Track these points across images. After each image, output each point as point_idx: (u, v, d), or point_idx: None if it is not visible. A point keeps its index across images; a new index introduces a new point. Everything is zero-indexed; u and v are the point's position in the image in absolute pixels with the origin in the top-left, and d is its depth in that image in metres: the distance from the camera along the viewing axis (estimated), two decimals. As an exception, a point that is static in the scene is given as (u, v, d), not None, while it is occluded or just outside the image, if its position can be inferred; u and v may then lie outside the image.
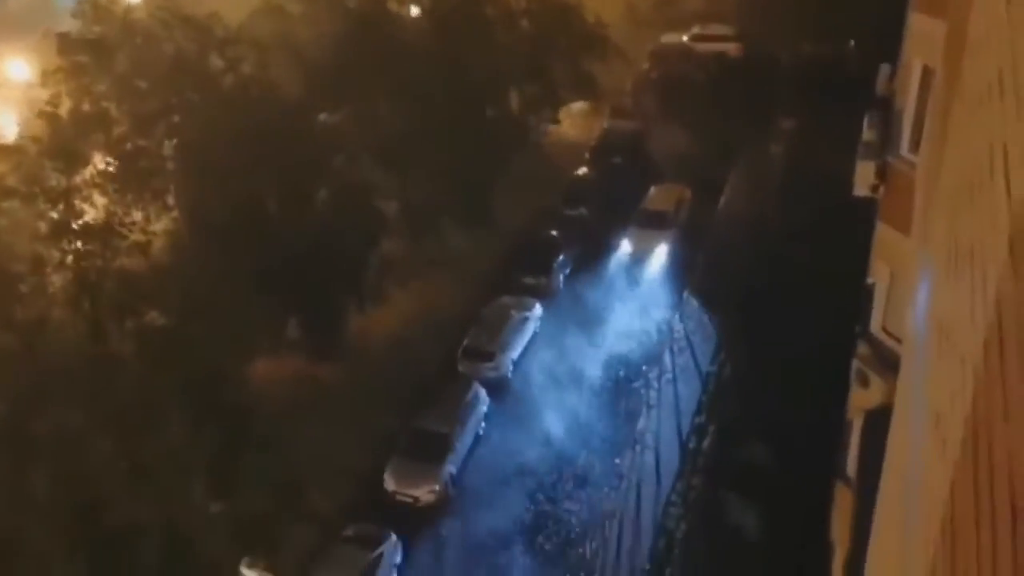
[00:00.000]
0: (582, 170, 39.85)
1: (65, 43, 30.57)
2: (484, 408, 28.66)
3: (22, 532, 22.86)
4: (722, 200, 36.30)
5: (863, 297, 17.06)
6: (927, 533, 3.11)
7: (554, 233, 35.83)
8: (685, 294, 32.48)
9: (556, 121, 40.50)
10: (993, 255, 2.34)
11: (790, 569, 21.90)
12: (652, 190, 36.82)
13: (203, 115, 30.27)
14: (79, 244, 29.07)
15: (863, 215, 19.76)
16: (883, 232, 15.28)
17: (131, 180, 30.60)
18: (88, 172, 30.29)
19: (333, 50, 31.47)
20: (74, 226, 29.32)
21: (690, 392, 29.26)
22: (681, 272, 33.44)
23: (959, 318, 2.96)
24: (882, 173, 15.24)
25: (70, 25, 32.72)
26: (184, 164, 30.81)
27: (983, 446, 2.24)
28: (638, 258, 34.98)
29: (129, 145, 30.89)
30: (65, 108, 30.01)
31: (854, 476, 15.40)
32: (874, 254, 17.26)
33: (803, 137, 36.28)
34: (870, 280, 17.13)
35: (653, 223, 35.25)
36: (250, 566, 18.06)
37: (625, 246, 35.31)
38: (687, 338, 31.00)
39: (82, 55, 30.24)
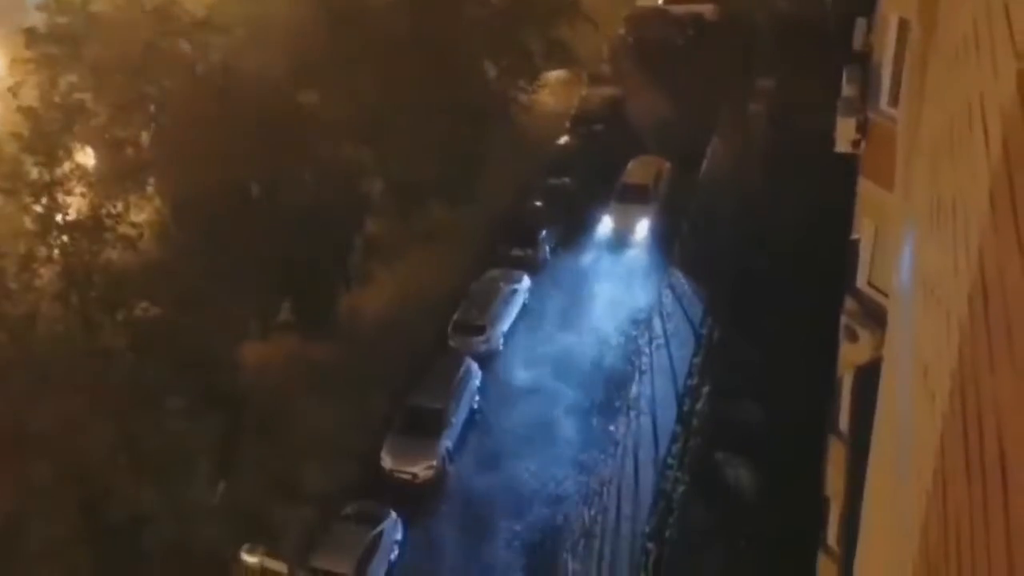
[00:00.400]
0: (563, 139, 39.69)
1: (31, 37, 30.15)
2: (477, 382, 28.75)
3: (25, 522, 22.99)
4: (704, 164, 36.26)
5: (848, 253, 17.14)
6: (919, 485, 3.15)
7: (539, 204, 35.76)
8: (670, 263, 32.53)
9: (534, 91, 40.28)
10: (974, 208, 2.35)
11: (787, 525, 22.18)
12: (631, 164, 36.20)
13: (178, 102, 29.97)
14: (65, 238, 28.88)
15: (845, 171, 19.82)
16: (865, 188, 15.32)
17: (113, 171, 30.34)
18: (70, 165, 30.00)
19: (305, 30, 31.13)
20: (59, 220, 29.12)
21: (682, 355, 29.43)
22: (666, 241, 33.43)
23: (943, 272, 2.98)
24: (863, 128, 15.25)
25: (37, 19, 32.24)
26: (164, 152, 30.54)
27: (971, 397, 2.27)
28: (620, 234, 34.72)
29: (107, 135, 30.58)
30: (38, 100, 29.63)
31: (847, 431, 15.57)
32: (858, 210, 17.32)
33: (782, 96, 36.20)
34: (855, 236, 17.21)
35: (633, 197, 34.83)
36: (250, 551, 18.12)
37: (606, 222, 34.99)
38: (677, 303, 31.12)
39: (51, 48, 29.79)
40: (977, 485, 2.05)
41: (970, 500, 2.11)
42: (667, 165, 36.12)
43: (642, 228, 34.51)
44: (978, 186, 2.28)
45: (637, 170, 36.08)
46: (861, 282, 15.66)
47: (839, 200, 21.55)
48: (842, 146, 15.78)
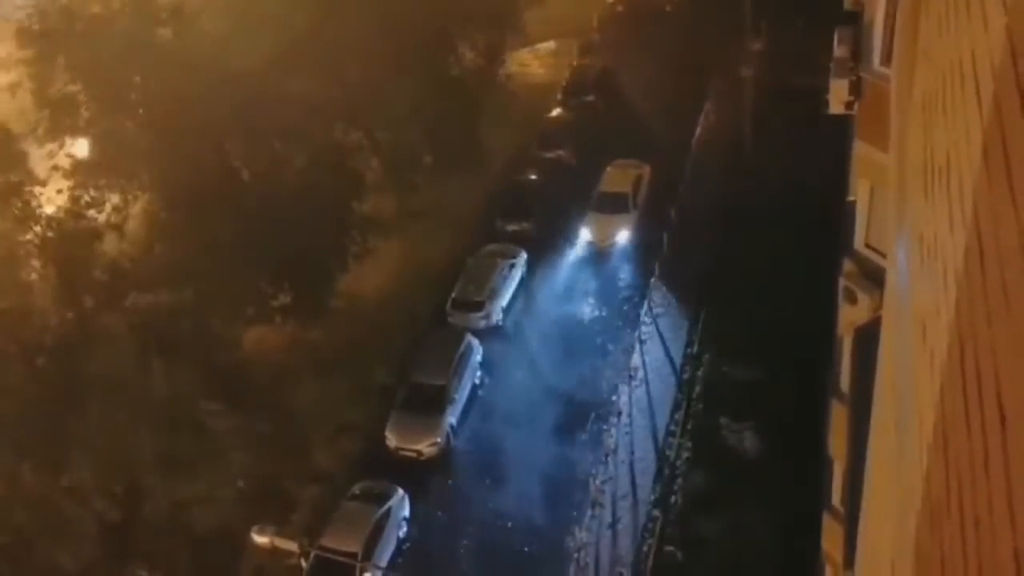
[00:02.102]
0: (556, 111, 39.54)
1: (12, 32, 29.86)
2: (478, 357, 28.84)
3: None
4: (697, 130, 36.15)
5: (845, 215, 17.14)
6: (921, 439, 3.20)
7: (533, 177, 35.66)
8: (664, 235, 32.52)
9: (524, 64, 40.07)
10: (968, 165, 2.37)
11: (791, 486, 22.38)
12: (608, 170, 34.34)
13: (163, 91, 29.76)
14: (49, 232, 28.63)
15: (839, 133, 19.77)
16: (860, 149, 15.27)
17: (102, 161, 30.16)
18: (51, 158, 29.76)
19: (288, 13, 30.86)
20: (44, 212, 28.93)
21: (680, 324, 29.53)
22: (661, 208, 33.30)
23: (939, 230, 3.01)
24: (856, 89, 15.17)
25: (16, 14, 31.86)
26: (151, 141, 30.37)
27: (969, 352, 2.30)
28: (599, 246, 32.98)
29: (94, 126, 30.35)
30: (20, 96, 29.38)
31: (848, 392, 15.64)
32: (853, 171, 17.29)
33: (774, 58, 36.01)
34: (851, 198, 17.19)
35: (611, 207, 32.99)
36: (260, 531, 18.27)
37: (584, 234, 33.19)
38: (673, 274, 31.13)
39: (32, 43, 29.49)
40: (977, 436, 2.09)
41: (970, 451, 2.15)
42: (647, 170, 34.43)
43: (622, 238, 32.92)
44: (971, 143, 2.30)
45: (615, 177, 34.20)
46: (858, 244, 15.66)
47: (833, 162, 21.53)
48: (835, 108, 15.70)
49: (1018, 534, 1.70)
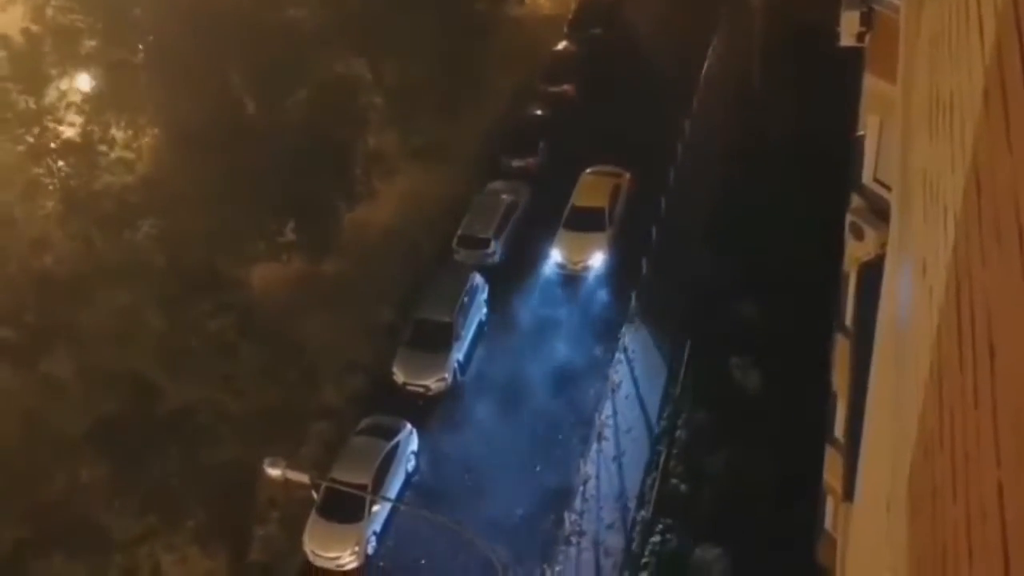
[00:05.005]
0: (561, 45, 38.90)
1: None
2: (484, 294, 28.95)
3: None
4: (705, 64, 35.62)
5: (854, 151, 16.99)
6: (917, 377, 3.26)
7: (538, 112, 35.28)
8: (671, 169, 32.25)
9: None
10: (970, 106, 2.38)
11: (795, 421, 22.62)
12: (582, 178, 31.14)
13: (168, 22, 29.42)
14: (61, 164, 28.86)
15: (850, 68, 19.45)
16: (871, 83, 15.07)
17: (107, 95, 30.05)
18: (61, 92, 29.73)
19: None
20: (54, 146, 29.09)
21: (687, 262, 29.45)
22: (670, 138, 32.93)
23: (940, 168, 3.02)
24: (867, 21, 14.91)
25: None
26: (155, 74, 30.15)
27: (964, 291, 2.34)
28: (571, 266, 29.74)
29: (98, 59, 30.17)
30: (24, 26, 29.19)
31: (852, 327, 15.72)
32: (863, 106, 17.08)
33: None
34: (860, 132, 17.01)
35: (585, 224, 29.65)
36: (272, 464, 18.63)
37: (555, 255, 29.86)
38: (680, 210, 30.97)
39: None
40: (969, 373, 2.15)
41: (962, 388, 2.21)
42: (626, 178, 31.52)
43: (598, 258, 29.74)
44: (973, 84, 2.31)
45: (590, 189, 30.82)
46: (867, 178, 15.56)
47: (842, 97, 21.24)
48: (847, 40, 15.45)
49: (1003, 467, 1.77)
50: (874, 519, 5.25)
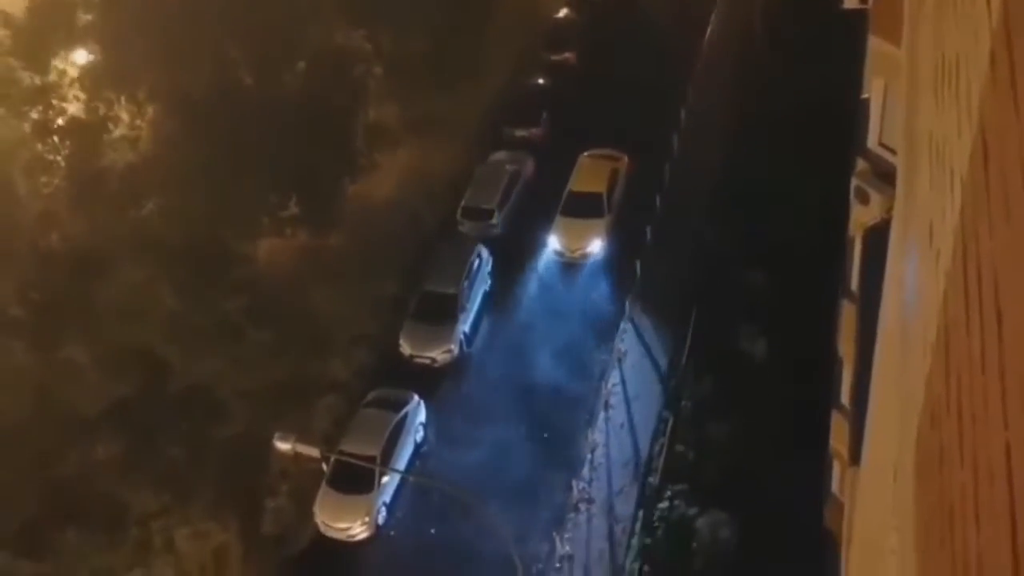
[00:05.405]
0: (563, 12, 38.52)
1: None
2: (489, 266, 28.95)
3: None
4: (708, 30, 35.29)
5: (858, 114, 16.87)
6: (924, 340, 3.27)
7: (540, 81, 35.03)
8: (681, 113, 32.05)
9: None
10: (976, 69, 2.37)
11: (800, 386, 22.66)
12: (580, 162, 30.57)
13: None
14: (67, 142, 28.89)
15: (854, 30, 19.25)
16: (875, 45, 14.93)
17: (105, 71, 29.96)
18: (62, 69, 29.69)
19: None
20: (59, 123, 29.11)
21: (693, 230, 29.38)
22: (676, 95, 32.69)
23: (947, 132, 3.01)
24: (871, -18, 14.74)
25: None
26: (152, 48, 29.99)
27: (971, 256, 2.35)
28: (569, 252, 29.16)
29: (95, 35, 30.07)
30: (21, 7, 29.08)
31: (857, 292, 15.70)
32: (868, 69, 16.93)
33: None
34: (864, 95, 16.88)
35: (583, 210, 29.07)
36: (283, 438, 18.77)
37: (552, 242, 29.33)
38: (684, 179, 30.84)
39: None
40: (976, 337, 2.16)
41: (969, 351, 2.22)
42: (624, 161, 30.90)
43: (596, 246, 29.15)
44: (980, 47, 2.30)
45: (588, 174, 30.19)
46: (872, 142, 15.46)
47: (847, 60, 21.02)
48: (850, 2, 15.32)
49: (1010, 429, 1.79)
50: (881, 483, 5.29)
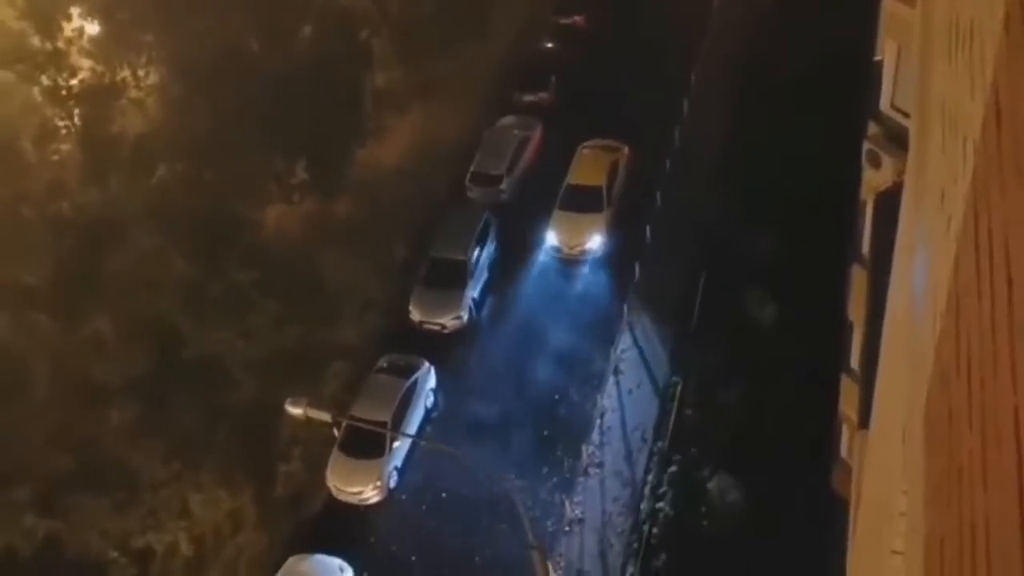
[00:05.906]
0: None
1: None
2: (497, 232, 28.87)
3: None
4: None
5: (871, 76, 16.69)
6: (935, 305, 3.28)
7: (549, 45, 34.69)
8: (685, 101, 31.79)
9: None
10: (991, 34, 2.35)
11: (810, 351, 22.70)
12: (578, 153, 29.58)
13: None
14: (76, 109, 28.90)
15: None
16: (889, 6, 14.74)
17: (113, 36, 29.89)
18: (70, 33, 29.63)
19: None
20: (70, 87, 29.12)
21: (702, 192, 29.23)
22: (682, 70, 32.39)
23: (960, 96, 2.99)
24: (885, -58, 14.50)
25: None
26: (159, 14, 29.87)
27: (983, 220, 2.35)
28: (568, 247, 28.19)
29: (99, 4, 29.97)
30: None
31: (868, 256, 15.65)
32: (881, 30, 16.72)
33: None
34: (877, 57, 16.69)
35: (582, 204, 28.03)
36: (294, 403, 18.90)
37: (550, 238, 28.38)
38: (692, 149, 30.61)
39: None
40: (987, 301, 2.17)
41: (979, 315, 2.23)
42: (625, 152, 29.91)
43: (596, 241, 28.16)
44: (994, 11, 2.28)
45: (587, 166, 29.13)
46: (884, 105, 15.32)
47: (860, 21, 20.76)
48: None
49: (1019, 393, 1.80)
50: (890, 447, 5.33)
